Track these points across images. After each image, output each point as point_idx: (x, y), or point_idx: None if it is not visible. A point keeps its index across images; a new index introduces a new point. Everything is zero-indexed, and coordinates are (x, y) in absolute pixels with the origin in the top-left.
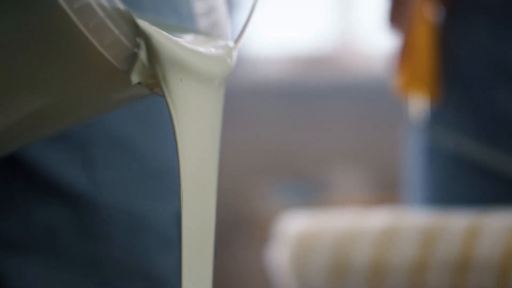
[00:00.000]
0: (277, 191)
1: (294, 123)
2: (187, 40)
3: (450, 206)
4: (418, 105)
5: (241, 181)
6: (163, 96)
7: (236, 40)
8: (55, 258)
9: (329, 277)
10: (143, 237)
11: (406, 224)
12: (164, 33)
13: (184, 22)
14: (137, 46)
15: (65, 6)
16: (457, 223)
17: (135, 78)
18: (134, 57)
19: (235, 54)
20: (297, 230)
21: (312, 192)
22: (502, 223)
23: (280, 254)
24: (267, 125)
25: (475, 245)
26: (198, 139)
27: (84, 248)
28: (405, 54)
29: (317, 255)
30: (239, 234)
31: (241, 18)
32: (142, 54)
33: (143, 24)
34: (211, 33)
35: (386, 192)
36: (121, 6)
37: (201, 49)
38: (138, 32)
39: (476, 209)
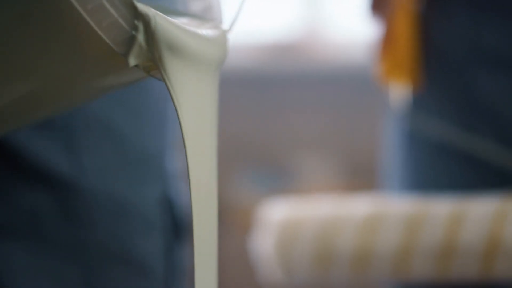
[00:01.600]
0: (246, 179)
1: (262, 110)
2: (183, 23)
3: (431, 192)
4: (399, 92)
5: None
6: (160, 78)
7: (230, 24)
8: (39, 242)
9: (313, 264)
10: (126, 222)
11: (390, 211)
12: (163, 15)
13: (177, 5)
14: (135, 28)
15: None
16: (441, 210)
17: (132, 60)
18: (132, 39)
19: (229, 38)
20: (280, 218)
21: (281, 180)
22: (485, 209)
23: (263, 242)
24: (236, 113)
25: (458, 231)
26: (199, 120)
27: (68, 232)
28: (386, 42)
29: (301, 243)
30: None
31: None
32: (140, 37)
33: (142, 6)
34: (204, 17)
35: (355, 179)
36: None
37: (199, 32)
38: (137, 14)
39: (457, 195)
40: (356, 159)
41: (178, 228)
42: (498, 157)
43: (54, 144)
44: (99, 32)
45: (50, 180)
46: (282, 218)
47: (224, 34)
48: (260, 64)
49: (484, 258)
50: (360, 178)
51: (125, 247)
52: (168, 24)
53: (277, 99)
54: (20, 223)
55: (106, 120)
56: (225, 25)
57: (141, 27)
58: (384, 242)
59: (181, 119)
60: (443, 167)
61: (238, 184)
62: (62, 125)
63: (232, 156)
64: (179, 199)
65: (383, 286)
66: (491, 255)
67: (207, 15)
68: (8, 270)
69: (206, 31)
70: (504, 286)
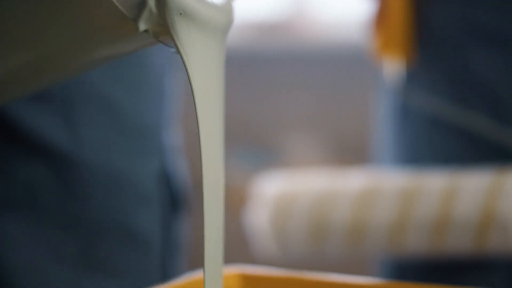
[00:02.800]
0: (234, 158)
1: (250, 89)
2: None
3: (425, 166)
4: (393, 68)
5: (193, 168)
6: (169, 44)
7: None
8: (36, 214)
9: (308, 238)
10: (124, 195)
11: (385, 185)
12: None
13: None
14: None
15: None
16: (435, 184)
17: (142, 25)
18: (142, 4)
19: (235, 6)
20: (275, 192)
21: (270, 159)
22: (478, 183)
23: (258, 217)
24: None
25: (453, 205)
26: (208, 83)
27: (65, 205)
28: (380, 17)
29: (296, 216)
30: (197, 199)
31: None
32: (151, 1)
33: None
34: None
35: (344, 158)
36: None
37: None
38: None
39: (451, 169)
40: (345, 138)
41: (175, 201)
42: (491, 132)
43: (52, 117)
44: None
45: (48, 153)
46: (277, 193)
47: (230, 1)
48: (248, 43)
49: (478, 231)
50: (348, 157)
51: (122, 220)
52: None
53: (265, 78)
54: (18, 195)
55: (104, 94)
56: None
57: None
58: (378, 216)
59: (192, 82)
60: (437, 142)
61: (226, 163)
62: (61, 99)
63: None
64: (176, 173)
65: (378, 260)
66: (485, 228)
67: None
68: (5, 242)
69: None
70: (497, 258)
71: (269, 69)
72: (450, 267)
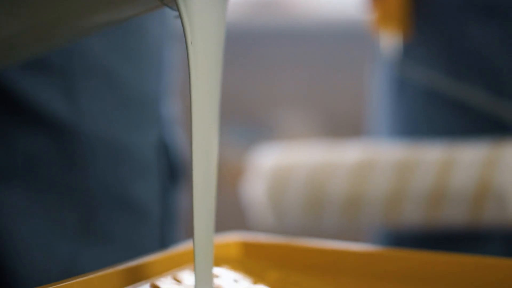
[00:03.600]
0: (227, 135)
1: (242, 66)
2: None
3: (420, 139)
4: (390, 41)
5: (188, 136)
6: (173, 7)
7: None
8: (37, 185)
9: (305, 209)
10: (123, 165)
11: (381, 156)
12: None
13: None
14: None
15: None
16: (431, 156)
17: None
18: None
19: None
20: (272, 164)
21: (263, 135)
22: (474, 155)
23: (254, 189)
24: None
25: (448, 177)
26: (208, 50)
27: (65, 175)
28: None
29: (293, 188)
30: (186, 180)
31: None
32: None
33: None
34: None
35: (337, 133)
36: None
37: None
38: None
39: (447, 141)
40: (339, 114)
41: (174, 172)
42: (487, 104)
43: (52, 88)
44: None
45: (48, 123)
46: (273, 165)
47: None
48: (240, 19)
49: (473, 203)
50: (342, 133)
51: (121, 190)
52: None
53: (258, 54)
54: (18, 166)
55: (104, 65)
56: None
57: None
58: (374, 187)
59: (190, 50)
60: (433, 115)
61: (220, 139)
62: (61, 70)
63: None
64: (175, 144)
65: (374, 231)
66: (480, 200)
67: None
68: (6, 212)
69: None
70: (493, 230)
71: (263, 45)
72: (445, 239)
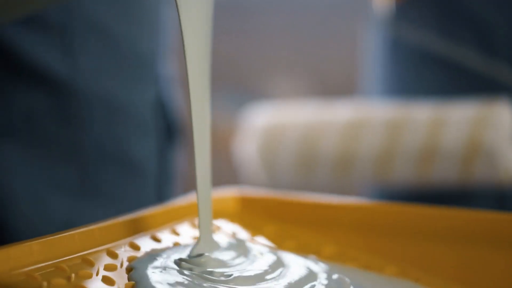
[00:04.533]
0: (219, 101)
1: (235, 32)
2: None
3: (413, 98)
4: (384, 2)
5: (185, 95)
6: None
7: None
8: (34, 142)
9: (297, 167)
10: (120, 123)
11: (372, 115)
12: None
13: None
14: None
15: None
16: (422, 114)
17: None
18: None
19: None
20: (264, 122)
21: (254, 101)
22: (465, 114)
23: (247, 148)
24: None
25: (439, 135)
26: (197, 13)
27: (63, 133)
28: None
29: (285, 146)
30: (183, 139)
31: None
32: None
33: None
34: None
35: (329, 99)
36: None
37: None
38: None
39: (438, 100)
40: (330, 80)
41: (171, 130)
42: (480, 64)
43: (50, 46)
44: None
45: (46, 80)
46: (266, 124)
47: None
48: None
49: (464, 161)
50: (334, 98)
51: (119, 148)
52: None
53: (249, 21)
54: (16, 123)
55: (101, 23)
56: None
57: None
58: (366, 146)
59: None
60: (425, 74)
61: (212, 105)
62: (58, 28)
63: None
64: (172, 102)
65: (365, 190)
66: (471, 158)
67: None
68: (4, 170)
69: None
70: (483, 188)
71: (254, 11)
72: (436, 197)
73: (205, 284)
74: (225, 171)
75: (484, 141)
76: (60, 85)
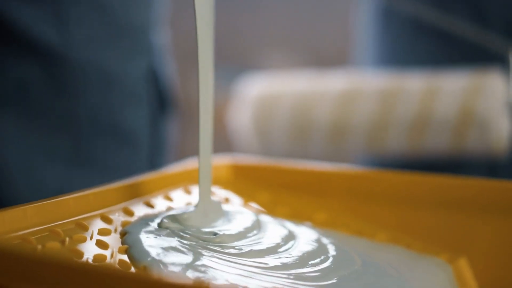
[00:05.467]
0: (215, 76)
1: (227, 7)
2: None
3: (405, 68)
4: None
5: (182, 69)
6: None
7: None
8: (28, 111)
9: (290, 137)
10: (113, 93)
11: (366, 85)
12: None
13: None
14: None
15: None
16: (415, 84)
17: None
18: None
19: None
20: (258, 92)
21: (246, 75)
22: (458, 83)
23: (241, 117)
24: None
25: (432, 105)
26: None
27: (56, 102)
28: None
29: (279, 116)
30: (178, 115)
31: None
32: None
33: None
34: None
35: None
36: None
37: None
38: None
39: (430, 70)
40: (323, 54)
41: (163, 100)
42: (471, 33)
43: (43, 15)
44: None
45: (39, 50)
46: (259, 93)
47: None
48: None
49: (456, 130)
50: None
51: (112, 117)
52: None
53: None
54: (9, 93)
55: None
56: None
57: None
58: (359, 116)
59: None
60: (418, 44)
61: None
62: None
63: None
64: (164, 73)
65: (358, 159)
66: (463, 128)
67: None
68: None
69: None
70: (475, 157)
71: None
72: (429, 167)
73: (198, 247)
74: (220, 143)
75: (476, 110)
76: (54, 54)
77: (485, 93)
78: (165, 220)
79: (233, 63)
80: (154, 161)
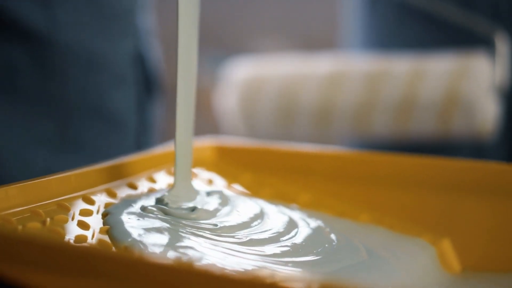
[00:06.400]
0: (204, 62)
1: None
2: None
3: (392, 51)
4: None
5: (168, 52)
6: None
7: None
8: (14, 94)
9: (277, 119)
10: (100, 76)
11: (352, 67)
12: None
13: None
14: None
15: None
16: (401, 66)
17: None
18: None
19: None
20: (244, 75)
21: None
22: (444, 66)
23: (227, 100)
24: None
25: (418, 87)
26: None
27: (42, 85)
28: None
29: (265, 99)
30: (161, 92)
31: None
32: None
33: None
34: None
35: None
36: None
37: None
38: None
39: (417, 52)
40: (310, 39)
41: (149, 83)
42: (457, 16)
43: None
44: None
45: (25, 33)
46: (246, 76)
47: None
48: None
49: (442, 113)
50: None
51: (98, 100)
52: None
53: None
54: None
55: None
56: None
57: None
58: (345, 98)
59: None
60: (404, 27)
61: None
62: None
63: None
64: (150, 55)
65: (345, 142)
66: (449, 110)
67: None
68: None
69: None
70: (461, 140)
71: None
72: (415, 149)
73: (178, 227)
74: (206, 126)
75: (462, 93)
76: (39, 37)
77: (471, 76)
78: (147, 202)
79: (221, 48)
80: (141, 144)
